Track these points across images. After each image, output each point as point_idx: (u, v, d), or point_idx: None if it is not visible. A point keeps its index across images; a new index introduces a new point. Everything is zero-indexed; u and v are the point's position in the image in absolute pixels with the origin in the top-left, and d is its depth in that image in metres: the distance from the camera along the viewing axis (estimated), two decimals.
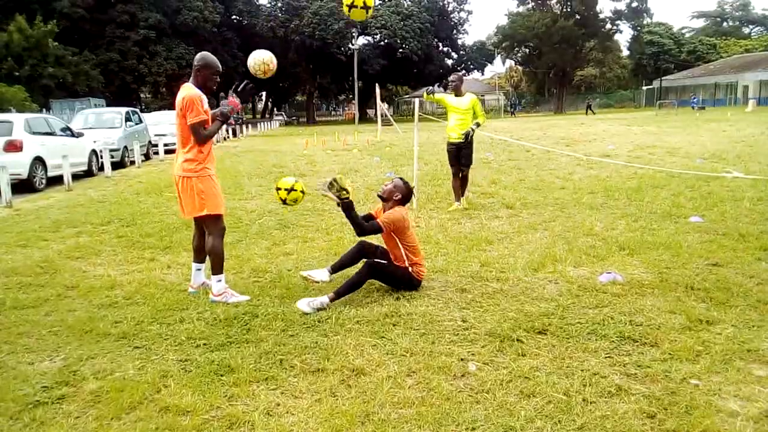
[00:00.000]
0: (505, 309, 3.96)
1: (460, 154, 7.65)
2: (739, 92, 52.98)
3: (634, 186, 8.93)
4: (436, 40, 59.62)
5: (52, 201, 9.79)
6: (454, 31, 62.30)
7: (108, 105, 32.13)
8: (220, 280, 4.31)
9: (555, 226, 6.51)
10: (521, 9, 65.16)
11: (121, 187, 11.33)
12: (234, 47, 50.19)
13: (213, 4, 46.64)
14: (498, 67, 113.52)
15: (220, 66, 4.32)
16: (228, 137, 28.82)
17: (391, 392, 2.86)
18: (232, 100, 4.30)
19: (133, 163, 16.40)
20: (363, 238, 4.70)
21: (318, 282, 4.57)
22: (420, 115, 8.56)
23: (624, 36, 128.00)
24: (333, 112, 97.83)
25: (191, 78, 4.23)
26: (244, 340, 3.54)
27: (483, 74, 77.34)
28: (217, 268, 4.31)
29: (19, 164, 10.99)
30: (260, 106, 78.46)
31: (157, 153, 18.84)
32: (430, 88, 7.96)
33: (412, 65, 56.62)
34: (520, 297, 4.19)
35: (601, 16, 61.81)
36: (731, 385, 2.87)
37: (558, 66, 61.45)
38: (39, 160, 11.59)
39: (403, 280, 4.38)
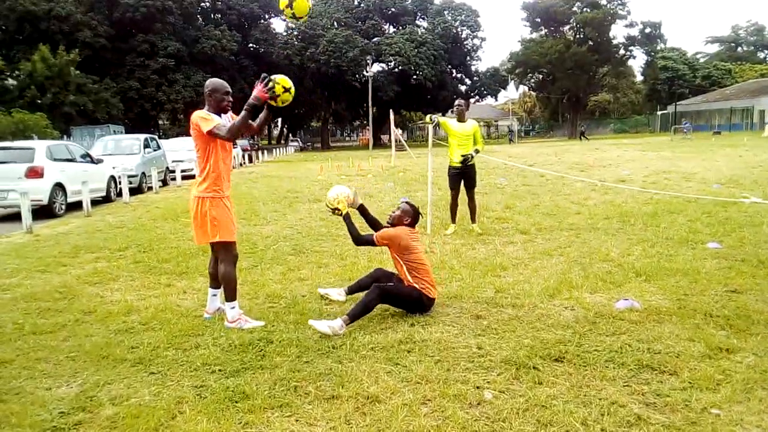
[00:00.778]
0: (520, 336, 3.92)
1: (463, 177, 7.76)
2: (756, 117, 52.60)
3: (650, 211, 8.87)
4: (449, 66, 60.22)
5: (71, 227, 9.94)
6: (468, 58, 62.85)
7: (127, 132, 32.81)
8: (233, 307, 4.33)
9: (570, 251, 6.47)
10: (534, 35, 65.79)
11: (139, 213, 11.48)
12: (251, 74, 51.02)
13: (231, 33, 47.71)
14: (512, 92, 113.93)
15: (228, 86, 4.41)
16: (244, 163, 29.15)
17: (406, 420, 2.84)
18: (260, 90, 4.08)
19: (150, 189, 16.63)
20: (380, 267, 5.09)
21: (334, 300, 4.78)
22: (434, 141, 8.63)
23: (638, 61, 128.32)
24: (347, 138, 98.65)
25: (205, 105, 4.34)
26: (258, 366, 3.55)
27: (497, 100, 77.69)
28: (230, 295, 4.34)
29: (40, 190, 11.20)
30: (276, 132, 79.36)
31: (174, 179, 19.10)
32: (432, 116, 8.13)
33: (426, 91, 57.15)
34: (535, 324, 4.15)
35: (615, 42, 62.19)
36: (753, 415, 2.81)
37: (571, 92, 61.69)
38: (59, 186, 11.80)
39: (413, 301, 4.40)
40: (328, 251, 6.98)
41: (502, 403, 2.99)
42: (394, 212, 4.67)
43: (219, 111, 4.32)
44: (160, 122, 53.97)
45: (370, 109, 49.29)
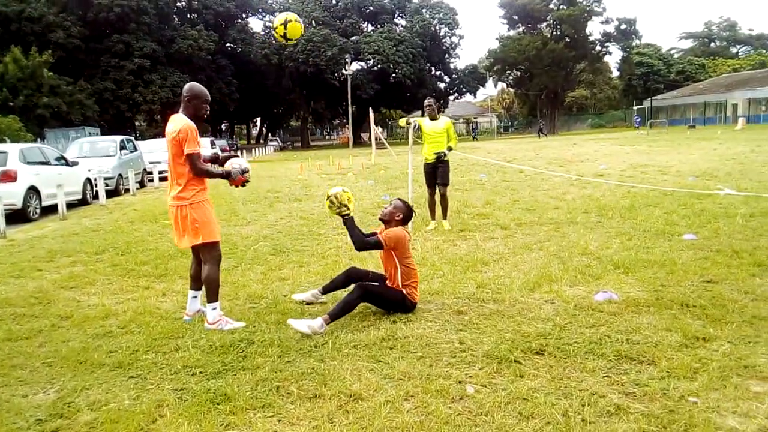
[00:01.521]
0: (502, 330, 3.95)
1: (437, 173, 7.85)
2: (729, 111, 53.64)
3: (627, 205, 8.98)
4: (428, 64, 60.30)
5: (47, 231, 9.76)
6: (446, 56, 63.03)
7: (103, 133, 32.36)
8: (215, 308, 4.29)
9: (550, 245, 6.53)
10: (512, 33, 66.14)
11: (116, 216, 11.32)
12: (228, 74, 50.70)
13: (207, 33, 47.23)
14: (490, 89, 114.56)
15: (209, 94, 4.36)
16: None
17: (390, 417, 2.84)
18: (241, 179, 4.39)
19: (128, 191, 16.41)
20: (353, 265, 4.95)
21: (313, 303, 4.72)
22: (414, 139, 8.65)
23: (614, 57, 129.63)
24: (327, 137, 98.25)
25: (181, 109, 4.25)
26: (240, 367, 3.52)
27: (476, 97, 78.02)
28: (212, 296, 4.29)
29: (14, 194, 10.98)
30: (254, 131, 78.82)
31: (152, 180, 18.89)
32: (409, 119, 8.28)
33: (405, 89, 57.17)
34: (516, 318, 4.18)
35: (591, 38, 62.79)
36: (729, 401, 2.86)
37: (549, 88, 62.16)
38: (33, 190, 11.59)
39: (396, 303, 4.38)
40: (309, 250, 6.95)
41: (484, 397, 3.01)
42: (386, 207, 4.58)
43: (196, 118, 4.25)
44: (137, 123, 53.33)
45: (350, 108, 49.27)
